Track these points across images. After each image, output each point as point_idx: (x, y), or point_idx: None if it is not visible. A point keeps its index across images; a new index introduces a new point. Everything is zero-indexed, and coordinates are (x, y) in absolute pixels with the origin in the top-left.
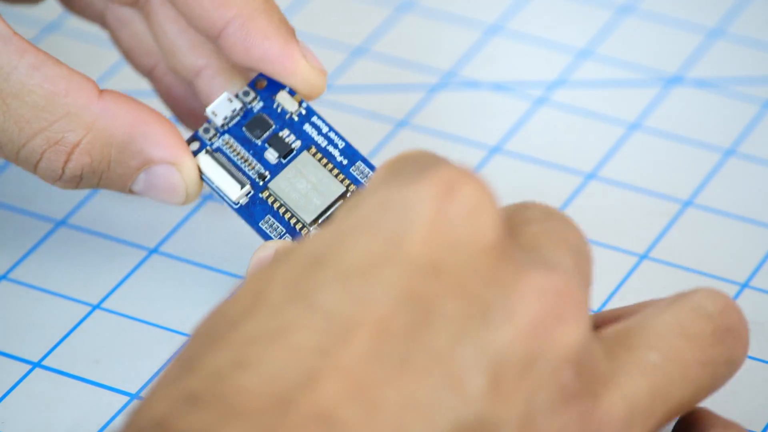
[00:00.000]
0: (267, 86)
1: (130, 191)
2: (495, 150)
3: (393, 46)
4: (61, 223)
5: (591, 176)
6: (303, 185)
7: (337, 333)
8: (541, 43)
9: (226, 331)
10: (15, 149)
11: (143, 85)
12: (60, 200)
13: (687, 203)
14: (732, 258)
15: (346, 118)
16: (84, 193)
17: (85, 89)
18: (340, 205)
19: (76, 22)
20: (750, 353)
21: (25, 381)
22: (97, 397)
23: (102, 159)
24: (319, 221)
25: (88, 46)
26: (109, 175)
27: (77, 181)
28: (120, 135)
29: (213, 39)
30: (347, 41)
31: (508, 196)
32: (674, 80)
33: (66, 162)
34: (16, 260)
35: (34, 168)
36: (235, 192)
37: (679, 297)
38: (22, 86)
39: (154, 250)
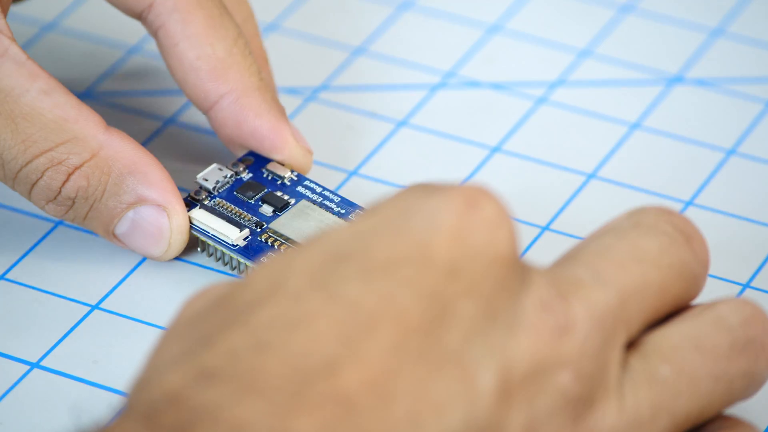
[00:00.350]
0: (255, 162)
1: (113, 235)
2: (495, 150)
3: (393, 45)
4: (60, 222)
5: (591, 176)
6: (305, 224)
7: (359, 324)
8: (542, 42)
9: (242, 314)
10: (17, 167)
11: (140, 85)
12: None
13: (688, 203)
14: (734, 258)
15: (346, 118)
16: None
17: (93, 120)
18: (357, 212)
19: (76, 21)
20: None
21: (23, 381)
22: (95, 398)
23: (98, 186)
24: None
25: (88, 45)
26: (100, 206)
27: (69, 206)
28: (119, 168)
29: (204, 110)
30: (347, 41)
31: (508, 196)
32: (675, 80)
33: (64, 182)
34: (15, 260)
35: (30, 187)
36: (234, 234)
37: (705, 307)
38: (31, 109)
39: None
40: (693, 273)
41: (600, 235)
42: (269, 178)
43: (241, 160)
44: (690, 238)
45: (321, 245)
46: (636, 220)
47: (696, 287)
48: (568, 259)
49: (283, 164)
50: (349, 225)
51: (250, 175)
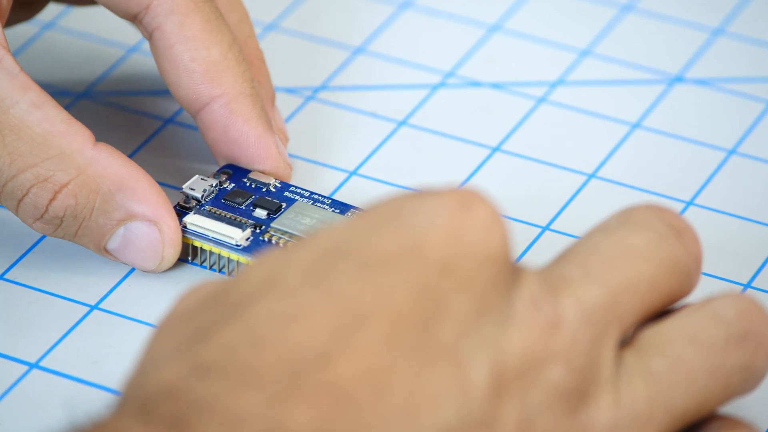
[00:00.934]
0: (234, 174)
1: (105, 250)
2: (495, 150)
3: (393, 45)
4: None
5: (591, 176)
6: (307, 221)
7: (353, 319)
8: (542, 42)
9: (238, 308)
10: (2, 181)
11: (140, 85)
12: None
13: (689, 203)
14: (734, 258)
15: (346, 117)
16: None
17: (81, 135)
18: (352, 210)
19: (75, 21)
20: None
21: (22, 382)
22: (94, 398)
23: (86, 205)
24: None
25: (88, 44)
26: (89, 224)
27: (57, 224)
28: (108, 184)
29: (194, 112)
30: (347, 41)
31: (508, 196)
32: (676, 79)
33: (51, 200)
34: (14, 260)
35: (17, 203)
36: (237, 234)
37: (702, 303)
38: (20, 121)
39: None
40: (685, 267)
41: (590, 234)
42: (253, 186)
43: (221, 171)
44: (681, 232)
45: (317, 242)
46: (625, 217)
47: (689, 282)
48: (559, 259)
49: (264, 173)
50: (345, 223)
51: (233, 185)
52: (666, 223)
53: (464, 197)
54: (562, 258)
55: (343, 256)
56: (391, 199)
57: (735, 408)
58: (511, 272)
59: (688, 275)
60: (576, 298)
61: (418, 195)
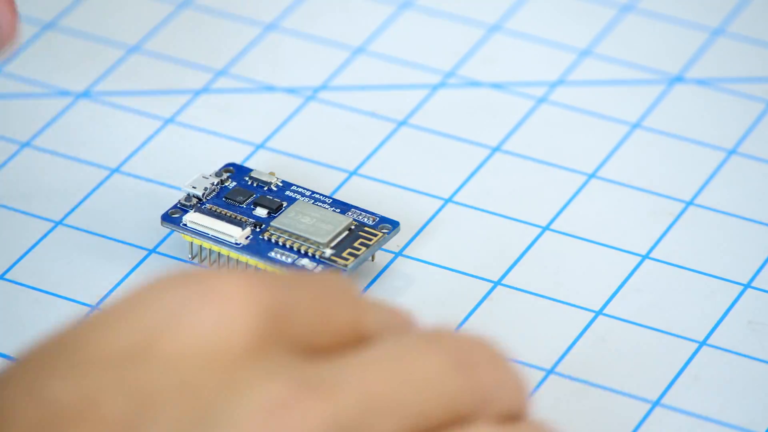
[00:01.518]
0: (236, 172)
1: None
2: (495, 150)
3: (393, 45)
4: (60, 222)
5: (591, 176)
6: (307, 219)
7: (57, 423)
8: (542, 42)
9: None
10: None
11: (140, 85)
12: (58, 200)
13: (688, 203)
14: (735, 258)
15: (346, 117)
16: (82, 193)
17: None
18: (353, 210)
19: (75, 21)
20: (751, 353)
21: None
22: None
23: None
24: (332, 244)
25: (88, 44)
26: None
27: None
28: None
29: None
30: (347, 41)
31: (508, 196)
32: (676, 79)
33: None
34: (14, 260)
35: None
36: (237, 233)
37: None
38: None
39: (152, 251)
40: (466, 404)
41: (383, 341)
42: (255, 185)
43: (222, 170)
44: (473, 366)
45: (47, 339)
46: (428, 337)
47: (479, 411)
48: (334, 360)
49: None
50: (91, 316)
51: (234, 183)
52: (458, 356)
53: (209, 286)
54: (339, 360)
55: (65, 355)
56: (137, 291)
57: (733, 407)
58: (248, 369)
59: (471, 409)
60: (330, 407)
61: (163, 286)
